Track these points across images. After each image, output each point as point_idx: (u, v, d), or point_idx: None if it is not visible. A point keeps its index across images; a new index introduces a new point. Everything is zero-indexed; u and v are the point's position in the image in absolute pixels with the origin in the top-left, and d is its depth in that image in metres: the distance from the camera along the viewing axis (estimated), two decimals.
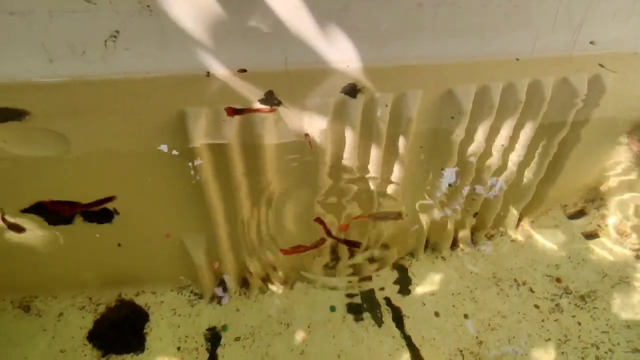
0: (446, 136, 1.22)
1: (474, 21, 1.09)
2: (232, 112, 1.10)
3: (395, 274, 1.59)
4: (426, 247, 1.62)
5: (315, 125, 1.08)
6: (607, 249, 1.58)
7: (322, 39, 1.06)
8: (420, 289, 1.53)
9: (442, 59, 1.15)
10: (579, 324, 1.36)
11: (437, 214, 1.47)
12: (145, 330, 1.36)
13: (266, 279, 1.55)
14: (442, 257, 1.62)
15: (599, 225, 1.66)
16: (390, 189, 1.32)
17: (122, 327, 1.34)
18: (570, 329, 1.35)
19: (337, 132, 1.12)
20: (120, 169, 1.13)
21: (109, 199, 1.15)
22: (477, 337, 1.38)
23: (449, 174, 1.40)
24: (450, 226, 1.53)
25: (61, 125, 1.04)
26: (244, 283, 1.52)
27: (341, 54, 1.10)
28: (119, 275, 1.38)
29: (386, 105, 1.08)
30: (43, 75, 1.01)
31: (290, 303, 1.50)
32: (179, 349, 1.33)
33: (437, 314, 1.45)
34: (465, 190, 1.43)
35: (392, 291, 1.54)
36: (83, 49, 1.00)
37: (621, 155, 1.58)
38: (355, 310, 1.49)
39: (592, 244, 1.60)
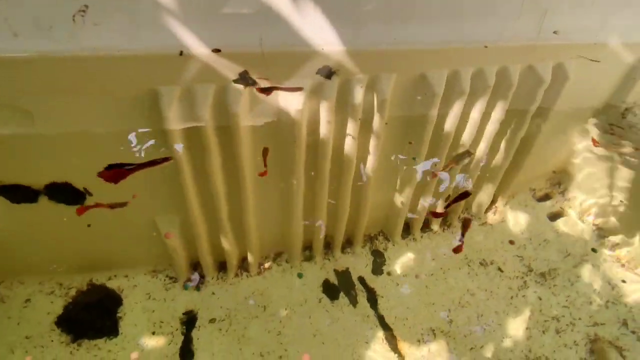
0: (420, 120, 1.26)
1: (446, 8, 1.12)
2: (260, 91, 1.16)
3: (370, 256, 1.63)
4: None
5: (291, 106, 1.09)
6: (570, 229, 1.67)
7: (298, 21, 1.06)
8: (394, 271, 1.57)
9: (414, 44, 1.17)
10: (540, 299, 1.43)
11: (410, 197, 1.51)
12: (119, 314, 1.35)
13: (242, 262, 1.56)
14: (413, 239, 1.66)
15: (562, 208, 1.75)
16: (367, 169, 1.35)
17: (94, 311, 1.32)
18: (534, 305, 1.42)
19: (313, 113, 1.14)
20: (91, 149, 1.11)
21: (166, 159, 1.15)
22: (448, 316, 1.43)
23: (426, 164, 1.46)
24: (423, 210, 1.58)
25: (28, 102, 1.01)
26: (221, 267, 1.53)
27: (317, 36, 1.10)
28: (90, 259, 1.35)
29: (361, 87, 1.10)
30: (7, 50, 0.98)
31: (266, 286, 1.51)
32: (153, 333, 1.33)
33: (409, 295, 1.50)
34: (439, 175, 1.47)
35: (367, 272, 1.58)
36: (50, 24, 0.97)
37: (585, 141, 1.66)
38: (330, 291, 1.52)
39: (556, 225, 1.69)
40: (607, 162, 1.55)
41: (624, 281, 1.46)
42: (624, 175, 1.50)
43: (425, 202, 1.55)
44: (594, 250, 1.59)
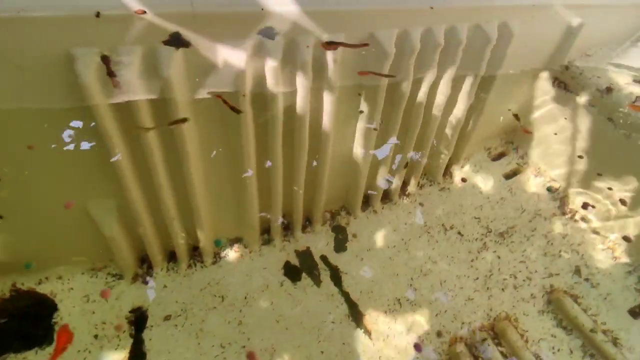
0: (373, 86, 1.21)
1: None
2: (326, 45, 1.12)
3: (332, 233, 1.58)
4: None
5: (232, 67, 0.99)
6: (525, 186, 1.71)
7: None
8: (356, 246, 1.53)
9: (360, 4, 1.13)
10: (499, 257, 1.45)
11: (367, 170, 1.47)
12: (54, 320, 1.19)
13: (195, 252, 1.44)
14: (374, 211, 1.63)
15: (517, 165, 1.79)
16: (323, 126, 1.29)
17: (21, 320, 1.15)
18: (493, 265, 1.45)
19: (258, 75, 1.05)
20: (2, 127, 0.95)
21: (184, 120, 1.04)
22: (411, 285, 1.42)
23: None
24: (381, 177, 1.55)
25: None
26: (171, 257, 1.40)
27: None
28: (10, 260, 1.17)
29: (307, 46, 1.03)
30: None
31: (223, 274, 1.41)
32: (96, 336, 1.19)
33: (373, 268, 1.47)
34: (393, 141, 1.44)
35: (329, 250, 1.52)
36: None
37: (536, 99, 1.69)
38: (292, 273, 1.45)
39: (512, 183, 1.73)
40: (560, 118, 1.60)
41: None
42: (575, 129, 1.55)
43: (382, 176, 1.52)
44: (548, 189, 1.65)
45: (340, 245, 1.55)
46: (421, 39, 1.18)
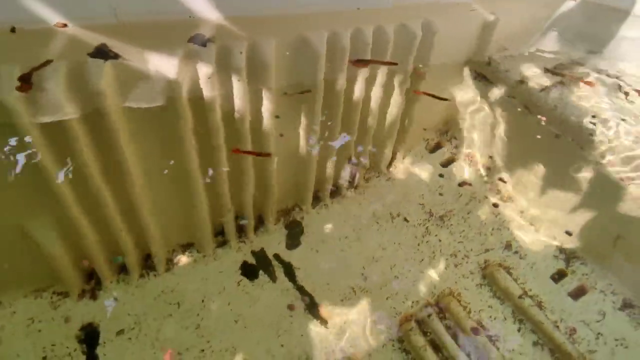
0: (311, 82, 1.25)
1: None
2: (357, 63, 1.24)
3: (284, 230, 1.62)
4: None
5: (163, 77, 0.99)
6: (460, 172, 1.85)
7: None
8: (309, 240, 1.58)
9: (290, 9, 1.15)
10: (440, 240, 1.58)
11: (315, 167, 1.52)
12: None
13: (147, 261, 1.42)
14: (325, 206, 1.69)
15: (452, 154, 1.93)
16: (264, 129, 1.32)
17: None
18: (435, 246, 1.56)
19: (193, 81, 1.05)
20: None
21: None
22: (362, 273, 1.50)
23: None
24: (330, 175, 1.61)
25: None
26: (121, 269, 1.38)
27: (181, 5, 1.01)
28: None
29: (241, 53, 1.05)
30: None
31: (177, 281, 1.41)
32: (45, 358, 1.15)
33: (326, 260, 1.53)
34: (342, 137, 1.50)
35: (281, 247, 1.56)
36: None
37: (464, 90, 1.82)
38: (250, 272, 1.47)
39: (448, 170, 1.86)
40: (485, 109, 1.74)
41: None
42: (499, 119, 1.70)
43: (329, 170, 1.58)
44: (484, 180, 1.80)
45: (293, 241, 1.59)
46: (351, 39, 1.24)
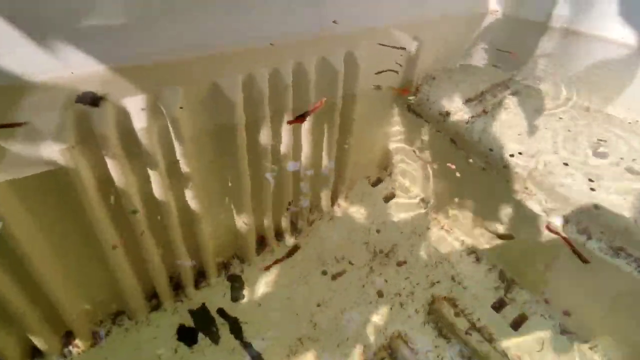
0: (230, 132, 1.19)
1: (207, 6, 0.99)
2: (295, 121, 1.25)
3: (227, 282, 1.54)
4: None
5: (52, 147, 0.88)
6: (401, 207, 1.88)
7: (23, 48, 0.81)
8: (254, 292, 1.51)
9: (193, 52, 1.03)
10: (386, 281, 1.57)
11: (252, 214, 1.47)
12: None
13: (68, 339, 1.27)
14: (271, 252, 1.64)
15: (393, 188, 1.96)
16: (191, 205, 1.24)
17: None
18: (381, 286, 1.55)
19: (91, 149, 0.95)
20: None
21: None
22: (311, 321, 1.44)
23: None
24: (268, 222, 1.56)
25: None
26: (35, 352, 1.21)
27: (57, 61, 0.85)
28: None
29: (142, 109, 0.96)
30: None
31: (106, 355, 1.27)
32: None
33: (273, 311, 1.46)
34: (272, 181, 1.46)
35: (226, 301, 1.48)
36: None
37: (395, 122, 1.86)
38: (187, 336, 1.36)
39: (390, 206, 1.89)
40: (417, 142, 1.79)
41: None
42: (430, 154, 1.76)
43: (268, 217, 1.54)
44: (424, 213, 1.84)
45: (238, 293, 1.51)
46: (269, 80, 1.18)
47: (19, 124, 0.85)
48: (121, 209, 1.08)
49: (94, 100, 0.88)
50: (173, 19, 0.93)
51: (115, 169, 0.97)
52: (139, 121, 0.96)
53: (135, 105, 0.95)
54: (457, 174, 1.62)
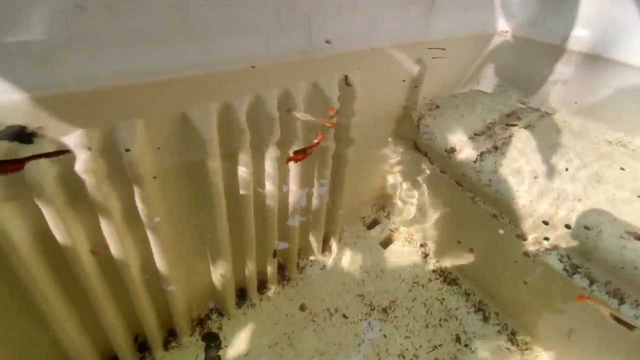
0: (201, 170, 1.02)
1: (178, 25, 0.84)
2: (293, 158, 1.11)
3: (202, 343, 1.33)
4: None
5: None
6: (400, 254, 1.70)
7: None
8: (232, 352, 1.30)
9: (156, 75, 0.86)
10: (385, 336, 1.37)
11: (230, 263, 1.28)
12: None
13: None
14: (252, 305, 1.44)
15: (391, 231, 1.79)
16: (155, 256, 1.06)
17: None
18: (379, 345, 1.36)
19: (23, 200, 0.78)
20: None
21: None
22: None
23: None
24: (252, 268, 1.37)
25: None
26: None
27: None
28: None
29: (89, 149, 0.78)
30: None
31: None
32: None
33: None
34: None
35: None
36: None
37: (394, 157, 1.70)
38: None
39: (388, 252, 1.71)
40: (419, 183, 1.64)
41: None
42: (431, 195, 1.60)
43: (250, 265, 1.35)
44: (426, 261, 1.66)
45: (214, 355, 1.31)
46: (249, 112, 1.01)
47: (65, 152, 0.77)
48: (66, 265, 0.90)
49: (23, 135, 0.70)
50: (124, 35, 0.77)
51: (56, 223, 0.80)
52: (85, 163, 0.79)
53: (80, 142, 0.77)
54: (464, 220, 1.46)
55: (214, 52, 0.92)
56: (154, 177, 0.95)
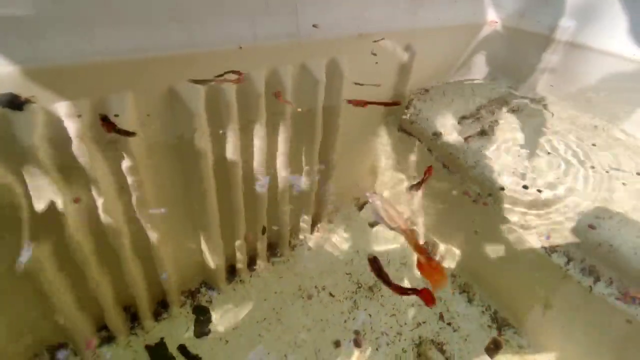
0: (191, 146, 1.05)
1: (175, 7, 0.89)
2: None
3: (192, 315, 1.37)
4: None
5: None
6: (389, 234, 1.73)
7: None
8: (221, 326, 1.34)
9: (148, 52, 0.89)
10: (370, 315, 1.41)
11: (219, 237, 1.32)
12: None
13: None
14: (241, 281, 1.48)
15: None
16: (146, 229, 1.09)
17: None
18: (365, 322, 1.40)
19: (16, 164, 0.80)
20: None
21: None
22: None
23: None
24: (242, 245, 1.41)
25: None
26: None
27: None
28: None
29: (79, 116, 0.80)
30: None
31: None
32: None
33: (241, 350, 1.29)
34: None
35: (189, 337, 1.31)
36: None
37: (384, 139, 1.72)
38: None
39: (377, 232, 1.74)
40: (408, 165, 1.67)
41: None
42: (415, 177, 1.63)
43: (239, 242, 1.39)
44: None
45: (203, 327, 1.35)
46: (239, 90, 1.04)
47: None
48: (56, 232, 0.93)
49: (15, 102, 0.73)
50: (116, 11, 0.80)
51: (47, 189, 0.83)
52: (77, 130, 0.81)
53: (71, 111, 0.80)
54: (450, 201, 1.49)
55: (201, 34, 0.95)
56: (143, 151, 0.98)
